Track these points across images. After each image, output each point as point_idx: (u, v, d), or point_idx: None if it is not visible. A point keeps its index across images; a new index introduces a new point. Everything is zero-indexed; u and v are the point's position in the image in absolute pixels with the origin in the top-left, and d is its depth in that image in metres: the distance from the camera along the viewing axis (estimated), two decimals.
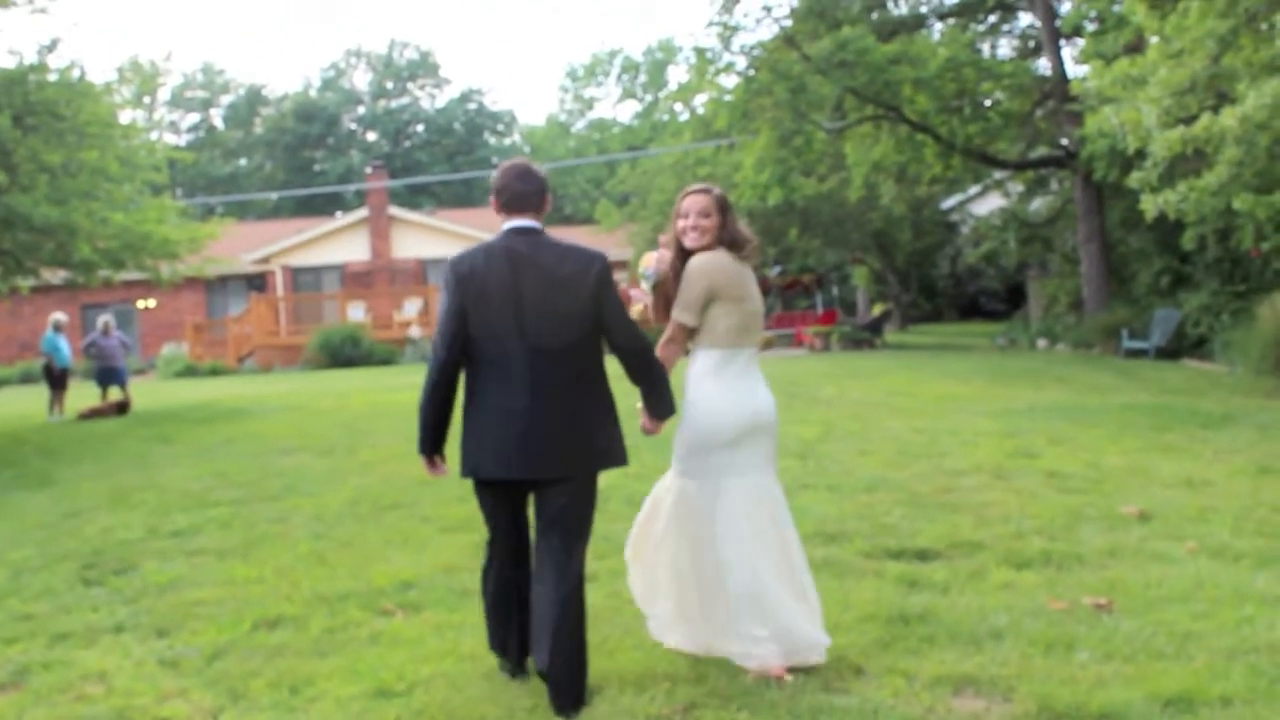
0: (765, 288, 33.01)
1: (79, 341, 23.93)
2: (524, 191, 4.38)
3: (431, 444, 4.49)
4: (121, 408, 18.11)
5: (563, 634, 4.25)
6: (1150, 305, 22.54)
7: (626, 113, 78.42)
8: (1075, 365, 19.61)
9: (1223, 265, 20.42)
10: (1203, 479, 8.33)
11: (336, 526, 7.98)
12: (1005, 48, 30.14)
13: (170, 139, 63.95)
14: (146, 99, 64.78)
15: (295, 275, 37.87)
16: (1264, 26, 12.90)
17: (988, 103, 25.85)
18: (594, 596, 5.64)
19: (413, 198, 58.33)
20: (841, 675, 4.49)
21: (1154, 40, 15.03)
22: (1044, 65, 26.51)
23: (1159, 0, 14.15)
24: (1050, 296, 29.65)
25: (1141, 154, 14.69)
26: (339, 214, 45.45)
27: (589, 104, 74.99)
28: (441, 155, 64.64)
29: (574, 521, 4.41)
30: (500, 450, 4.31)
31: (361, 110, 69.00)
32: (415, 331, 30.94)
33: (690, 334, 4.66)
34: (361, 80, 71.04)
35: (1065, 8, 25.41)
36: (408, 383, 19.80)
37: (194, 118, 70.38)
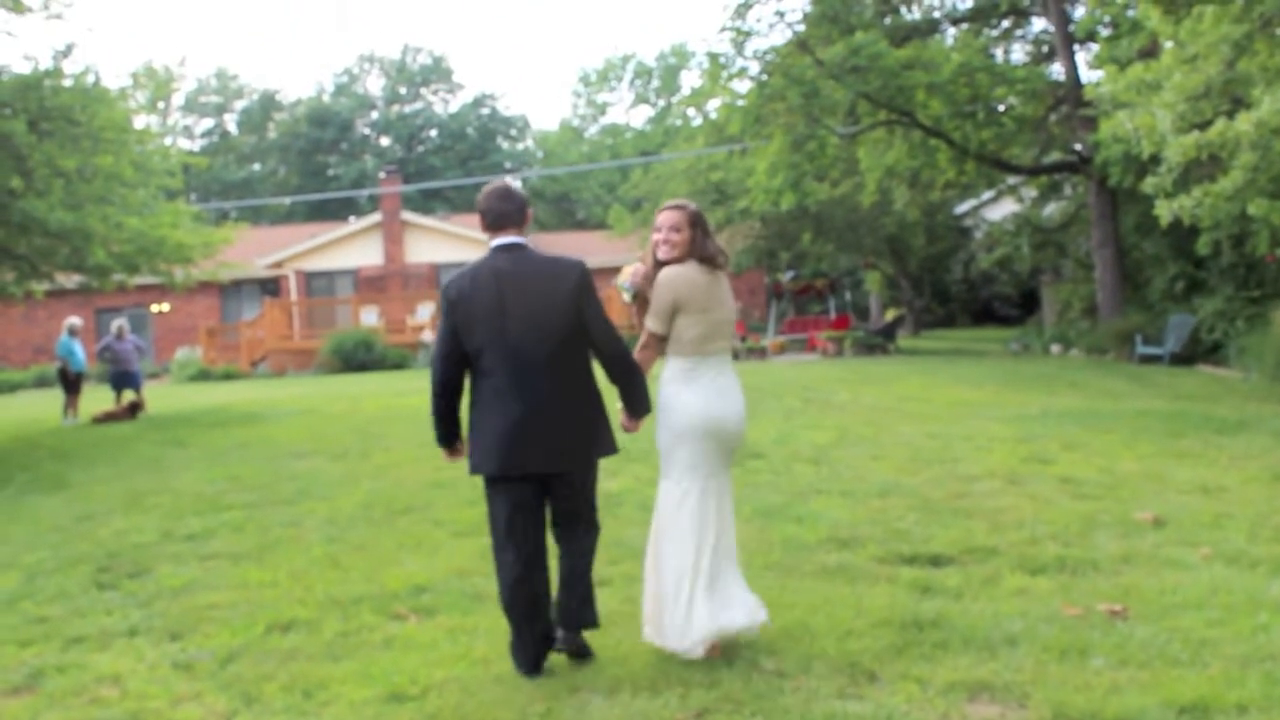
0: (778, 292, 33.01)
1: (94, 345, 24.03)
2: (506, 210, 4.83)
3: (447, 438, 4.95)
4: (133, 408, 18.15)
5: (578, 575, 4.88)
6: (1165, 311, 22.45)
7: (639, 118, 78.21)
8: (1089, 371, 19.56)
9: (1238, 271, 20.33)
10: (1218, 485, 8.30)
11: (350, 530, 7.99)
12: (1019, 53, 30.09)
13: (184, 144, 64.06)
14: (161, 104, 65.00)
15: (308, 280, 37.95)
16: (1279, 31, 12.86)
17: (1001, 108, 25.76)
18: (608, 601, 5.65)
19: (426, 202, 58.37)
20: (855, 681, 4.49)
21: (1168, 45, 14.98)
22: (1058, 70, 26.40)
23: (1173, 5, 14.09)
24: (1064, 302, 29.56)
25: (1156, 159, 14.64)
26: (352, 219, 45.55)
27: (602, 109, 75.07)
28: (454, 160, 64.67)
29: (582, 504, 4.91)
30: (501, 449, 4.70)
31: (375, 115, 69.10)
32: (428, 336, 30.92)
33: (662, 341, 4.94)
34: (375, 85, 71.17)
35: (1079, 12, 25.33)
36: (420, 387, 19.79)
37: (208, 123, 70.59)
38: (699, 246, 4.91)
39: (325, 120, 65.94)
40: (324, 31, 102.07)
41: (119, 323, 19.60)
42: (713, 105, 34.22)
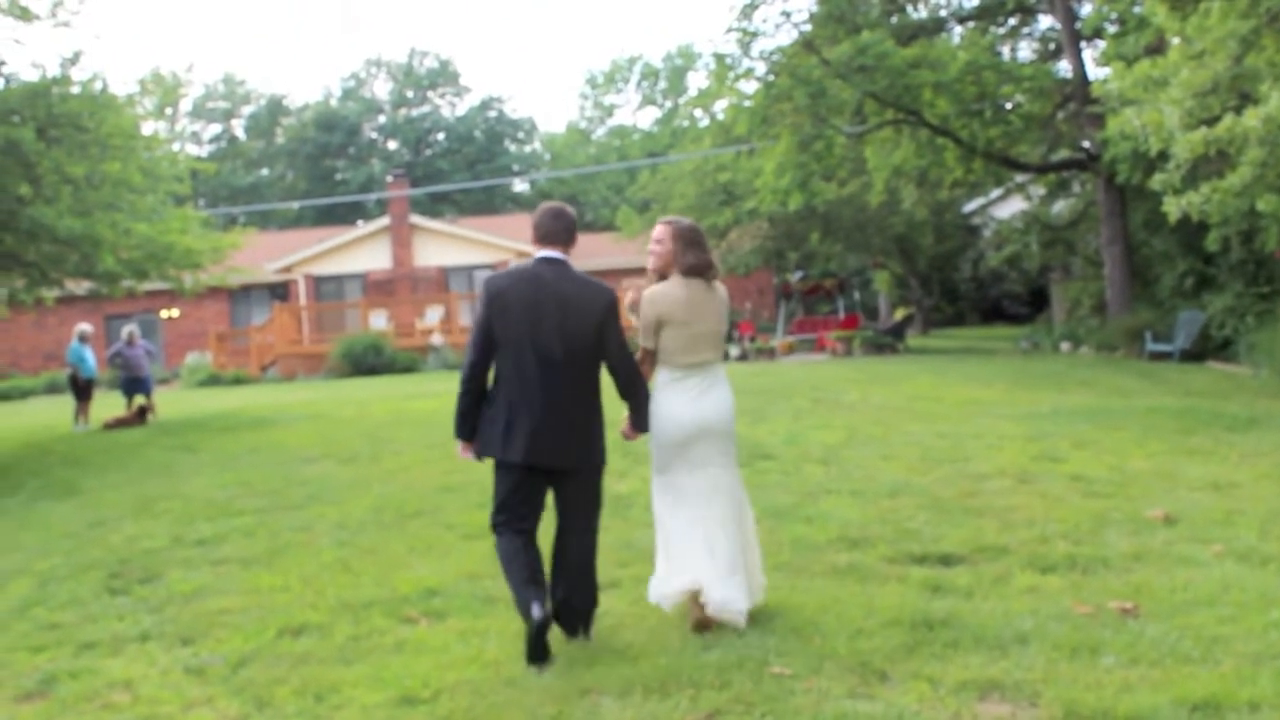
0: (787, 292, 33.02)
1: (104, 351, 24.08)
2: (555, 228, 5.28)
3: (466, 431, 5.26)
4: (142, 413, 18.19)
5: (583, 575, 5.21)
6: (1174, 308, 22.40)
7: (646, 119, 78.31)
8: (1099, 368, 19.51)
9: (1247, 267, 20.28)
10: (1229, 482, 8.28)
11: (360, 534, 8.00)
12: (1025, 50, 30.02)
13: (192, 150, 64.28)
14: (168, 110, 65.00)
15: (317, 284, 37.98)
16: None
17: (1008, 106, 25.72)
18: (618, 603, 5.67)
19: (434, 206, 58.47)
20: (866, 681, 4.48)
21: (1175, 41, 14.95)
22: (1065, 68, 26.36)
23: (1180, 1, 14.07)
24: (1073, 299, 29.51)
25: (1164, 156, 14.61)
26: (360, 223, 45.56)
27: (609, 110, 75.08)
28: (462, 163, 64.74)
29: (584, 503, 5.30)
30: (512, 438, 5.10)
31: (382, 119, 69.21)
32: (437, 339, 30.98)
33: (653, 354, 5.43)
34: (382, 89, 71.30)
35: (1086, 10, 25.29)
36: (430, 390, 19.85)
37: (216, 128, 70.74)
38: (678, 259, 5.33)
39: (333, 124, 66.06)
40: (331, 36, 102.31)
41: (129, 329, 19.64)
42: (720, 106, 34.17)
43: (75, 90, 15.96)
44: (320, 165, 65.90)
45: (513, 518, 5.17)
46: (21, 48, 42.30)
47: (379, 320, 32.68)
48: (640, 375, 5.39)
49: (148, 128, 20.05)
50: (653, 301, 5.31)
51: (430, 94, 70.48)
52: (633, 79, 73.68)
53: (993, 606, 5.32)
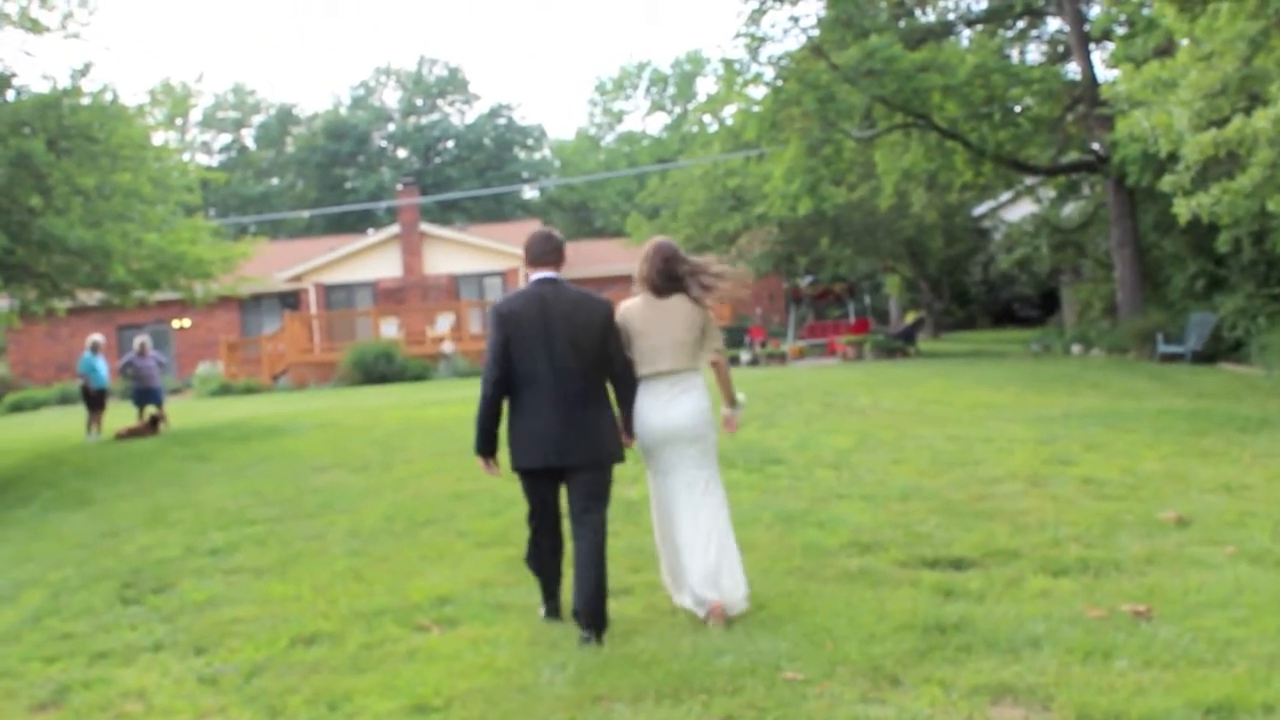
0: (797, 297, 33.00)
1: (116, 362, 24.12)
2: (545, 250, 5.75)
3: (487, 447, 5.67)
4: (154, 422, 18.23)
5: (593, 570, 5.42)
6: (1185, 309, 22.34)
7: (655, 125, 78.17)
8: (1110, 370, 19.47)
9: (1258, 268, 20.22)
10: (1241, 484, 8.26)
11: (372, 543, 8.01)
12: (1034, 53, 30.01)
13: (202, 160, 64.31)
14: (178, 120, 65.15)
15: (328, 293, 38.05)
16: None
17: (1017, 109, 25.69)
18: (630, 609, 5.68)
19: (444, 214, 58.50)
20: (878, 685, 4.48)
21: (1184, 43, 14.91)
22: (1073, 70, 26.32)
23: (1189, 3, 14.05)
24: (1084, 302, 29.45)
25: (1174, 157, 14.58)
26: (371, 231, 45.67)
27: (618, 117, 75.06)
28: (472, 171, 64.77)
29: (594, 498, 5.58)
30: (536, 447, 5.52)
31: (391, 127, 69.28)
32: (448, 347, 30.98)
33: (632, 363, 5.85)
34: (391, 98, 71.37)
35: (1094, 12, 25.25)
36: (441, 398, 19.87)
37: (226, 138, 70.90)
38: (643, 274, 5.77)
39: (342, 133, 66.17)
40: (340, 45, 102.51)
41: (141, 339, 19.69)
42: (728, 111, 34.23)
43: (86, 101, 15.99)
44: (330, 174, 65.99)
45: (546, 517, 5.70)
46: (32, 60, 42.41)
47: (390, 328, 32.68)
48: (633, 381, 5.77)
49: (158, 138, 20.11)
50: (620, 315, 5.75)
51: (439, 102, 70.56)
52: (642, 85, 73.70)
53: (1005, 610, 5.31)
